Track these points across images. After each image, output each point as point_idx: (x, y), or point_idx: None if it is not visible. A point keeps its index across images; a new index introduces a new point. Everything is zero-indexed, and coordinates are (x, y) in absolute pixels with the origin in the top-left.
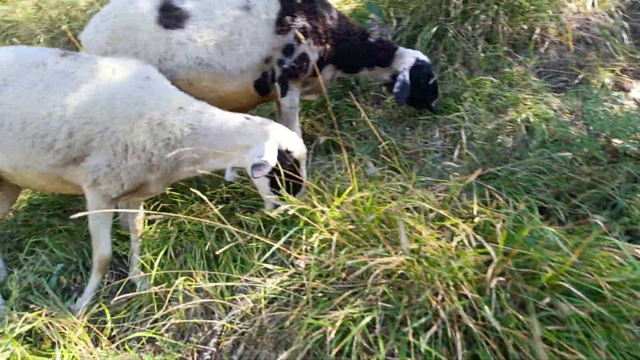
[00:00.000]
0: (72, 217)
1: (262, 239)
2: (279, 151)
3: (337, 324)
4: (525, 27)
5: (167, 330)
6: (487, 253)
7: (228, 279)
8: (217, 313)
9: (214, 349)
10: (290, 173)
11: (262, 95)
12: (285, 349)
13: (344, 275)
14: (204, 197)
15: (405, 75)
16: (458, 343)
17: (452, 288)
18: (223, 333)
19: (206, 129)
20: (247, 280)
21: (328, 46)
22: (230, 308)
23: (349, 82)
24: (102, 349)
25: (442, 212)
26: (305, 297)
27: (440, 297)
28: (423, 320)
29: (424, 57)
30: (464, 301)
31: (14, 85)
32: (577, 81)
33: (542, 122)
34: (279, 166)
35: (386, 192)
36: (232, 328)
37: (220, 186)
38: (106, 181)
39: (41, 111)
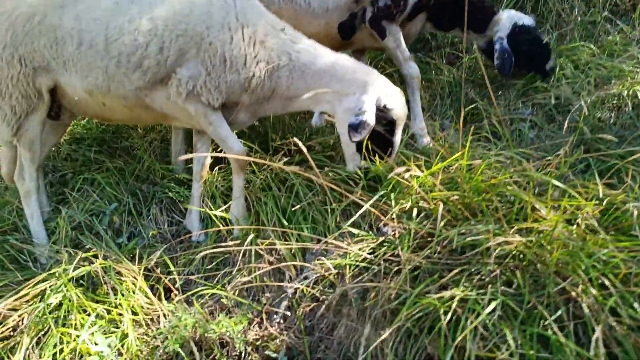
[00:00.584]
0: (180, 157)
1: (350, 196)
2: (377, 107)
3: (453, 305)
4: None
5: (233, 288)
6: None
7: (302, 239)
8: (288, 274)
9: (287, 312)
10: (383, 133)
11: (344, 39)
12: (373, 322)
13: (439, 249)
14: (302, 147)
15: (502, 44)
16: (600, 342)
17: (593, 279)
18: (297, 296)
19: (304, 64)
20: (328, 243)
21: None
22: (302, 270)
23: (422, 35)
24: (166, 301)
25: (567, 188)
26: (397, 269)
27: (579, 288)
28: (560, 312)
29: (524, 21)
30: (614, 297)
31: None
32: None
33: None
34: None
35: (484, 162)
36: (307, 292)
37: (287, 137)
38: (206, 90)
39: (127, 26)
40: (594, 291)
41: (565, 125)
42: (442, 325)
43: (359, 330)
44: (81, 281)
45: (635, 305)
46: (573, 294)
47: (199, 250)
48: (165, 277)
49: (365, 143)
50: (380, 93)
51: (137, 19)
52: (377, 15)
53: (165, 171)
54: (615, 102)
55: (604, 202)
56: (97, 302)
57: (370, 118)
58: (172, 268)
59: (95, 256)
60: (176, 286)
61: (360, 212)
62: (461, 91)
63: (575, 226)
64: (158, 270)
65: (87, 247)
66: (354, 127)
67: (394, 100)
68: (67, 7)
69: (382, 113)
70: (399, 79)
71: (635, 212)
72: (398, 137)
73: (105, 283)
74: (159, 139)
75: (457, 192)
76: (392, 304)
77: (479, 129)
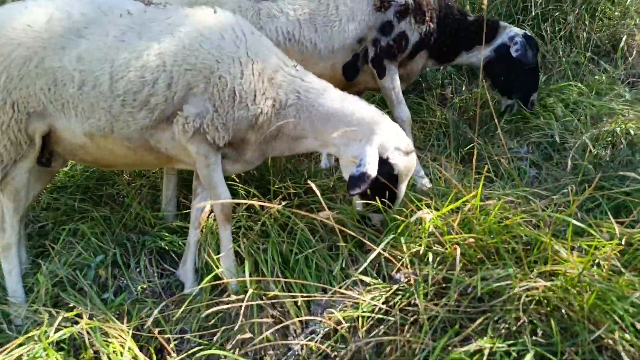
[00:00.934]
0: (195, 205)
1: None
2: (380, 159)
3: (484, 359)
4: (608, 33)
5: (233, 347)
6: None
7: (306, 289)
8: (294, 329)
9: None
10: (385, 185)
11: (348, 80)
12: None
13: (456, 296)
14: (314, 187)
15: (520, 39)
16: None
17: (628, 324)
18: (304, 354)
19: (312, 104)
20: (337, 292)
21: (431, 26)
22: (307, 324)
23: None
24: None
25: (587, 228)
26: (413, 319)
27: (616, 334)
28: None
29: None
30: None
31: (95, 35)
32: None
33: None
34: (375, 177)
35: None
36: (315, 348)
37: (285, 181)
38: (213, 128)
39: (134, 62)
40: (630, 337)
41: (569, 163)
42: None
43: None
44: (62, 344)
45: None
46: (608, 341)
47: (195, 306)
48: (157, 337)
49: (369, 193)
50: (385, 144)
51: (144, 55)
52: (379, 55)
53: (154, 219)
54: (609, 139)
55: (622, 242)
56: None
57: (370, 170)
58: (165, 326)
59: (79, 315)
60: (170, 347)
61: (372, 256)
62: (456, 131)
63: (596, 267)
64: (149, 329)
65: (70, 305)
66: (353, 180)
67: (399, 155)
68: (69, 48)
69: (385, 166)
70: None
71: None
72: (402, 189)
73: (90, 346)
74: (147, 185)
75: (473, 235)
76: (412, 359)
77: (478, 168)
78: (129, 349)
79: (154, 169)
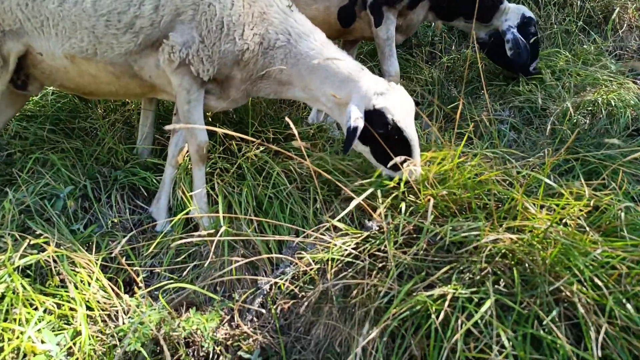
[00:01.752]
0: (166, 127)
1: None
2: (368, 114)
3: (445, 304)
4: (601, 4)
5: (202, 283)
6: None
7: (279, 231)
8: (264, 269)
9: (262, 310)
10: (392, 136)
11: (344, 26)
12: (355, 321)
13: (425, 246)
14: (294, 128)
15: (514, 33)
16: (594, 343)
17: (587, 279)
18: (273, 293)
19: (300, 52)
20: (309, 236)
21: None
22: (277, 266)
23: None
24: (129, 295)
25: (558, 187)
26: (382, 265)
27: (574, 287)
28: (554, 312)
29: (529, 13)
30: (611, 297)
31: None
32: None
33: (625, 108)
34: (377, 132)
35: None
36: (284, 288)
37: (264, 125)
38: (198, 60)
39: None
40: (588, 291)
41: (548, 127)
42: (433, 325)
43: (339, 330)
44: (28, 271)
45: (629, 306)
46: (567, 293)
47: (166, 241)
48: (127, 268)
49: (381, 151)
50: (366, 95)
51: None
52: (378, 1)
53: (128, 154)
54: (590, 108)
55: (591, 204)
56: (46, 295)
57: (354, 122)
58: (134, 260)
59: (46, 243)
60: (139, 279)
61: (352, 206)
62: (441, 90)
63: (563, 226)
64: (119, 262)
65: (37, 233)
66: (347, 137)
67: (386, 98)
68: None
69: (376, 115)
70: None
71: (623, 215)
72: (411, 132)
73: (56, 274)
74: (121, 121)
75: (446, 188)
76: (377, 303)
77: (459, 127)
78: (97, 279)
79: (136, 100)
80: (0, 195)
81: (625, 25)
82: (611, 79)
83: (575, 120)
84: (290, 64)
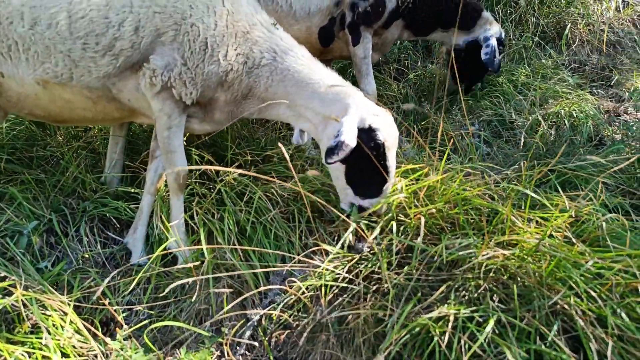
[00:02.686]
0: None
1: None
2: (360, 132)
3: (449, 325)
4: (554, 20)
5: (187, 318)
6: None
7: (265, 259)
8: (252, 299)
9: (255, 343)
10: (374, 159)
11: (323, 46)
12: (354, 348)
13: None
14: (285, 152)
15: (494, 43)
16: (595, 355)
17: (582, 292)
18: (263, 324)
19: (287, 68)
20: (300, 261)
21: None
22: (265, 295)
23: None
24: (109, 338)
25: (543, 200)
26: (376, 287)
27: (571, 300)
28: (556, 327)
29: (503, 32)
30: (608, 308)
31: None
32: (611, 83)
33: (586, 119)
34: (362, 151)
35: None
36: (276, 318)
37: (241, 147)
38: (180, 83)
39: (96, 0)
40: (585, 303)
41: (522, 140)
42: (437, 348)
43: (337, 358)
44: None
45: (624, 315)
46: (563, 306)
47: (144, 276)
48: (107, 307)
49: (356, 173)
50: (363, 114)
51: None
52: (356, 20)
53: (96, 184)
54: (555, 120)
55: (573, 215)
56: (15, 343)
57: (349, 138)
58: (111, 297)
59: (12, 286)
60: (119, 318)
61: (350, 230)
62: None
63: (549, 238)
64: (93, 302)
65: (1, 275)
66: (329, 150)
67: (381, 120)
68: None
69: (368, 135)
70: None
71: (604, 225)
72: (391, 161)
73: (25, 319)
74: (85, 148)
75: (436, 206)
76: (377, 328)
77: (432, 143)
78: (71, 321)
79: (111, 125)
80: None
81: (577, 39)
82: (570, 91)
83: (541, 132)
84: (276, 81)
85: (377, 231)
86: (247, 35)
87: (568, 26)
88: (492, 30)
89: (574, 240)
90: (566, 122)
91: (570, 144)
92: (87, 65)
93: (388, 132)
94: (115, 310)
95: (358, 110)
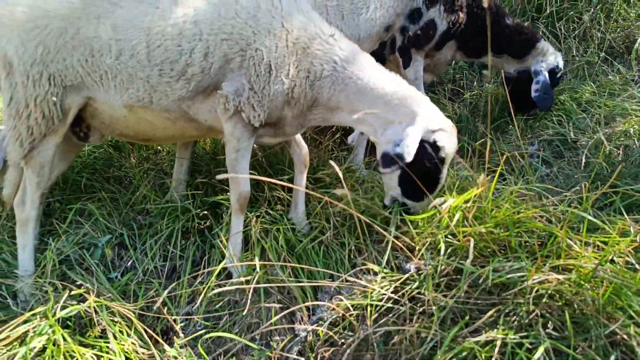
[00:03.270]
0: (218, 177)
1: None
2: (425, 143)
3: (495, 350)
4: (622, 35)
5: (239, 331)
6: None
7: (314, 276)
8: (300, 315)
9: (301, 358)
10: (431, 170)
11: None
12: None
13: (466, 288)
14: (338, 171)
15: (545, 76)
16: None
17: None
18: (311, 340)
19: (349, 76)
20: (346, 280)
21: (460, 15)
22: (314, 312)
23: None
24: (165, 345)
25: (602, 224)
26: (422, 309)
27: (632, 329)
28: (613, 357)
29: (561, 62)
30: None
31: (129, 2)
32: None
33: None
34: (421, 162)
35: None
36: (322, 334)
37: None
38: (249, 107)
39: (170, 30)
40: None
41: (582, 160)
42: None
43: None
44: (68, 322)
45: None
46: (622, 336)
47: (202, 289)
48: (167, 317)
49: (410, 178)
50: (430, 127)
51: (180, 23)
52: (406, 44)
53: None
54: (622, 139)
55: (637, 239)
56: (86, 346)
57: (407, 154)
58: (171, 308)
59: (86, 293)
60: (177, 327)
61: (388, 248)
62: (465, 127)
63: (609, 263)
64: (155, 310)
65: (77, 283)
66: (385, 158)
67: (446, 136)
68: (103, 17)
69: (433, 150)
70: None
71: None
72: (444, 174)
73: (96, 324)
74: (154, 170)
75: (486, 227)
76: (420, 349)
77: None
78: (135, 329)
79: (194, 139)
80: (40, 245)
81: None
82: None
83: (608, 152)
84: (338, 90)
85: (423, 252)
86: (307, 51)
87: (638, 40)
88: (545, 62)
89: (637, 266)
90: (635, 141)
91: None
92: (164, 89)
93: (451, 147)
94: (174, 320)
95: (424, 121)
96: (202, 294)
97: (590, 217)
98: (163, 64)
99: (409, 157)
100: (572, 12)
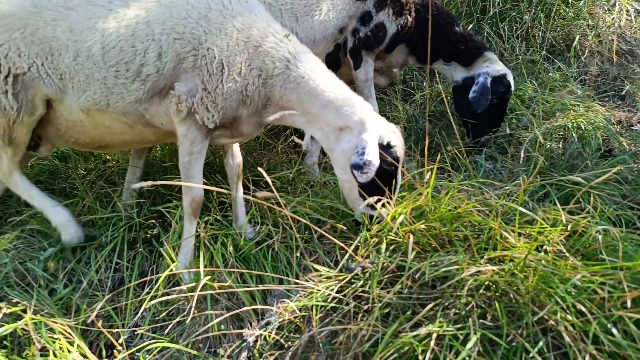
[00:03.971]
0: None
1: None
2: (379, 145)
3: (431, 343)
4: (562, 33)
5: (186, 340)
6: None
7: (262, 280)
8: (249, 320)
9: None
10: (387, 173)
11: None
12: None
13: (409, 284)
14: (268, 178)
15: (487, 80)
16: None
17: (570, 306)
18: (259, 345)
19: (301, 76)
20: (292, 282)
21: (409, 19)
22: (263, 316)
23: None
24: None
25: (534, 215)
26: (367, 307)
27: (558, 316)
28: (541, 343)
29: (511, 79)
30: (594, 324)
31: (84, 7)
32: (622, 93)
33: (595, 130)
34: (380, 165)
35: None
36: (270, 338)
37: (245, 174)
38: (203, 108)
39: (124, 31)
40: (572, 318)
41: (522, 155)
42: None
43: None
44: (4, 342)
45: (614, 331)
46: (552, 322)
47: (146, 299)
48: (105, 332)
49: (369, 186)
50: (381, 130)
51: (133, 24)
52: (357, 45)
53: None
54: (561, 133)
55: (568, 228)
56: None
57: (374, 158)
58: (117, 320)
59: (23, 310)
60: (120, 341)
61: (346, 255)
62: (416, 126)
63: (543, 252)
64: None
65: (14, 301)
66: (359, 168)
67: (395, 136)
68: (60, 20)
69: (387, 151)
70: None
71: (600, 237)
72: (399, 175)
73: (34, 342)
74: (101, 180)
75: (425, 223)
76: (364, 347)
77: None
78: (77, 345)
79: (152, 145)
80: None
81: (587, 51)
82: (578, 103)
83: (548, 146)
84: (289, 89)
85: (364, 250)
86: (259, 49)
87: (577, 38)
88: (490, 68)
89: (567, 254)
90: (574, 134)
91: (578, 156)
92: (120, 91)
93: (401, 147)
94: (117, 334)
95: (376, 127)
96: (145, 303)
97: (521, 209)
98: (118, 65)
99: (376, 160)
100: (514, 13)
